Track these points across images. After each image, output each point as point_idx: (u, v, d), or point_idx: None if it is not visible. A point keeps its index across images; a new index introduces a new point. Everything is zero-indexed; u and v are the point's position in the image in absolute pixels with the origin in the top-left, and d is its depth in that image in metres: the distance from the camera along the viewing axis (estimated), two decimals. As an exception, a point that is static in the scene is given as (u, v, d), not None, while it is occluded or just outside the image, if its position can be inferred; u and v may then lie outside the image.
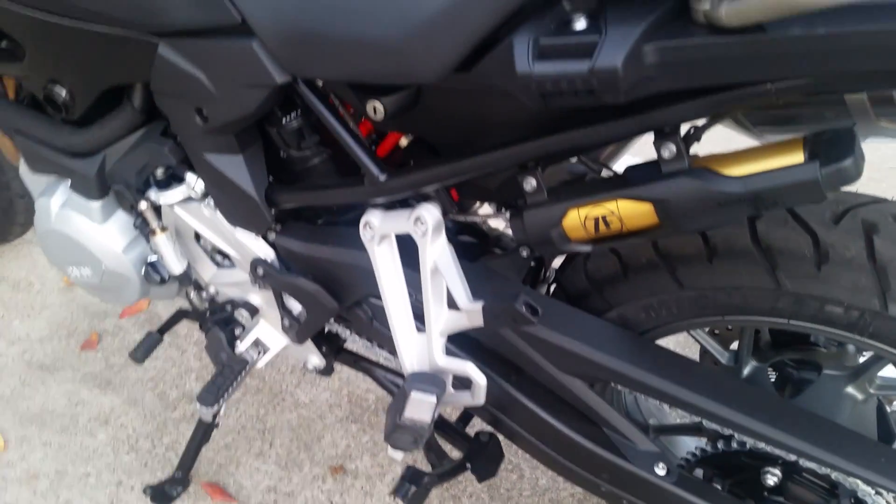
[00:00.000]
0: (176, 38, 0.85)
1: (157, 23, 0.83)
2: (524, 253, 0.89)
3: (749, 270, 0.80)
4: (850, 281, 0.76)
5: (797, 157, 0.62)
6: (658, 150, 0.67)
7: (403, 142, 0.93)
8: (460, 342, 0.93)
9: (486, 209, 0.98)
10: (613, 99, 0.59)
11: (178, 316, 1.20)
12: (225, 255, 1.10)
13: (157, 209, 1.06)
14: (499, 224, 1.00)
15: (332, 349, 1.17)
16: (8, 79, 1.16)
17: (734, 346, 1.03)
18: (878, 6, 0.48)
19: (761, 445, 0.82)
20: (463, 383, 0.90)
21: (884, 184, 1.70)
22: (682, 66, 0.57)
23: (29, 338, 1.61)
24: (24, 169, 1.16)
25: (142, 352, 1.19)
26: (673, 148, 0.66)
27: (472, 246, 1.02)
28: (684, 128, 0.69)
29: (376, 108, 0.79)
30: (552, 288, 1.00)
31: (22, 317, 1.66)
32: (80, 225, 1.10)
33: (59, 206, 1.11)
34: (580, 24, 0.60)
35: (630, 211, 0.70)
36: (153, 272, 1.12)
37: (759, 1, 0.50)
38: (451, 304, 0.84)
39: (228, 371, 1.12)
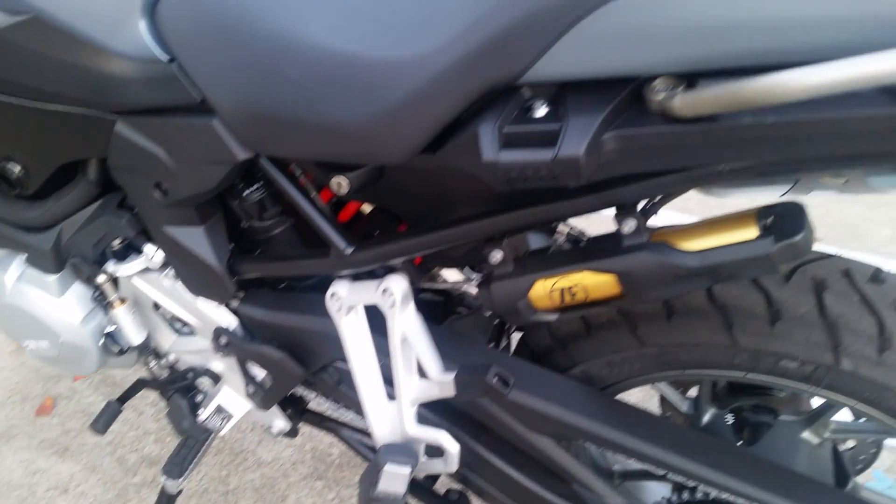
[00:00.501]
0: (134, 116, 0.85)
1: (114, 102, 0.83)
2: (488, 312, 0.90)
3: (706, 328, 0.83)
4: (803, 336, 0.79)
5: (750, 233, 0.65)
6: (618, 224, 0.70)
7: (366, 208, 0.95)
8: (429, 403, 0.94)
9: (453, 276, 0.99)
10: (575, 183, 0.61)
11: (139, 385, 1.18)
12: (185, 323, 1.09)
13: (114, 280, 1.05)
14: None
15: (297, 411, 1.16)
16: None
17: (693, 393, 1.06)
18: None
19: (725, 496, 0.85)
20: (435, 450, 0.91)
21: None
22: (640, 153, 0.59)
23: (-21, 406, 1.57)
24: None
25: (102, 423, 1.17)
26: (633, 223, 0.69)
27: (436, 304, 1.04)
28: (643, 201, 0.72)
29: (340, 184, 0.80)
30: (516, 343, 1.02)
31: (-29, 384, 1.62)
32: (36, 299, 1.08)
33: (14, 280, 1.09)
34: (541, 111, 0.62)
35: (594, 282, 0.72)
36: (112, 343, 1.11)
37: (709, 96, 0.53)
38: (422, 372, 0.85)
39: (192, 440, 1.11)
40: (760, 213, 0.66)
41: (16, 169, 0.99)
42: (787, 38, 0.51)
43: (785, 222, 0.65)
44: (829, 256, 0.83)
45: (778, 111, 0.53)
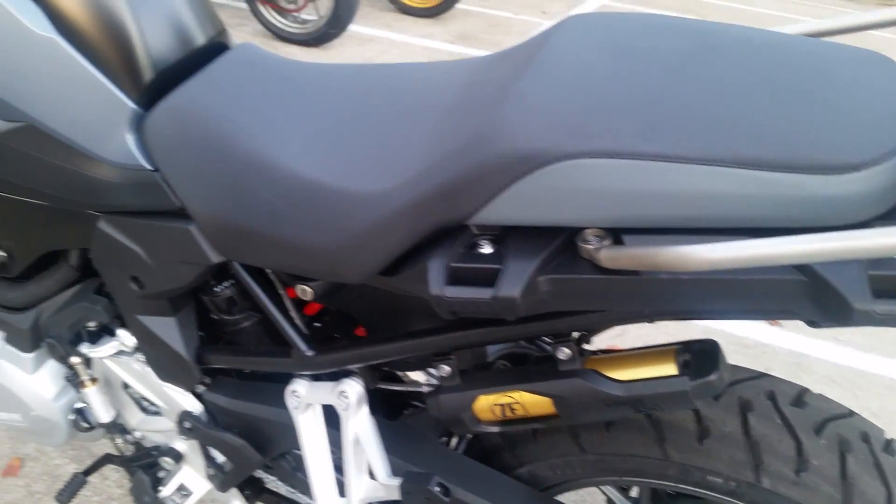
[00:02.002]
0: (116, 216, 0.90)
1: (99, 203, 0.88)
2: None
3: (641, 441, 0.89)
4: (728, 454, 0.85)
5: (670, 369, 0.72)
6: (554, 350, 0.76)
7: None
8: None
9: (408, 378, 1.05)
10: (512, 318, 0.67)
11: (105, 460, 1.22)
12: (153, 403, 1.13)
13: (87, 361, 1.10)
14: (417, 377, 1.07)
15: (255, 491, 1.20)
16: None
17: (635, 494, 1.11)
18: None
19: None
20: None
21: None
22: (571, 295, 0.66)
23: (-55, 466, 1.58)
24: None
25: (67, 494, 1.20)
26: (567, 351, 0.75)
27: (391, 396, 1.09)
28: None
29: (305, 290, 0.86)
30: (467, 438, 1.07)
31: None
32: (11, 374, 1.12)
33: (-11, 355, 1.13)
34: (486, 248, 0.68)
35: (532, 402, 0.78)
36: (81, 419, 1.15)
37: (630, 255, 0.59)
38: (372, 472, 0.90)
39: (153, 517, 1.15)
40: (679, 350, 0.73)
41: (0, 255, 1.05)
42: (694, 209, 0.58)
43: (701, 360, 0.72)
44: (760, 376, 0.89)
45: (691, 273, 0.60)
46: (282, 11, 4.73)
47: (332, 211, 0.74)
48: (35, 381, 1.13)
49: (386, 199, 0.70)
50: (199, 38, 0.92)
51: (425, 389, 0.91)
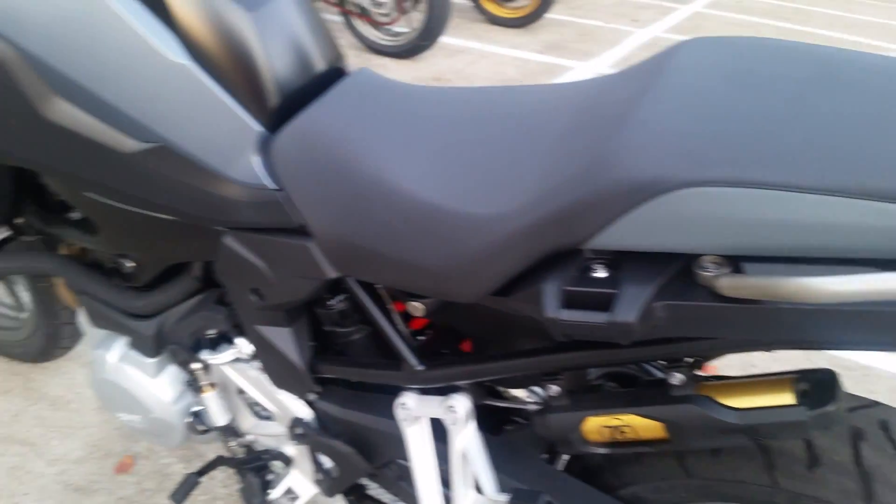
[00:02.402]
0: (240, 231, 0.95)
1: (225, 219, 0.94)
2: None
3: (749, 467, 0.88)
4: (838, 484, 0.83)
5: (787, 398, 0.71)
6: (667, 375, 0.76)
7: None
8: None
9: (509, 394, 1.07)
10: (626, 342, 0.68)
11: (217, 462, 1.28)
12: (265, 409, 1.18)
13: (205, 367, 1.16)
14: (521, 393, 1.08)
15: (358, 497, 1.24)
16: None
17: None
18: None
19: None
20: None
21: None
22: (686, 322, 0.66)
23: (67, 458, 1.69)
24: (83, 320, 1.27)
25: (180, 494, 1.26)
26: (681, 377, 0.75)
27: (494, 412, 1.11)
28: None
29: (416, 307, 0.90)
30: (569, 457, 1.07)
31: (60, 436, 1.74)
32: (135, 378, 1.19)
33: (116, 359, 1.21)
34: (600, 273, 0.69)
35: (643, 425, 0.79)
36: (198, 422, 1.22)
37: (751, 284, 0.60)
38: (478, 486, 0.92)
39: (261, 518, 1.20)
40: (796, 379, 0.72)
41: (129, 264, 1.12)
42: (815, 239, 0.58)
43: (819, 390, 0.71)
44: (872, 405, 0.87)
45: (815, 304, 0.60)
46: (375, 24, 4.84)
47: (449, 233, 0.76)
48: (156, 384, 1.20)
49: (501, 223, 0.72)
50: (320, 64, 0.97)
51: (531, 407, 0.93)
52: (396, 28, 4.83)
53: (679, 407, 0.76)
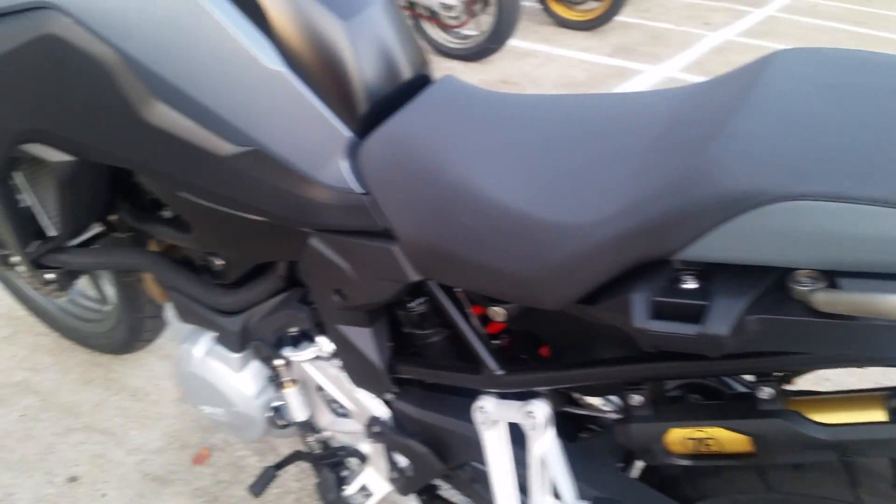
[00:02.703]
0: (326, 233, 0.98)
1: (312, 221, 0.96)
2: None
3: (832, 483, 0.86)
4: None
5: (879, 415, 0.70)
6: (755, 389, 0.76)
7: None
8: None
9: (584, 402, 1.07)
10: (715, 355, 0.68)
11: (294, 456, 1.31)
12: (343, 407, 1.21)
13: (287, 363, 1.19)
14: (596, 401, 1.09)
15: (430, 497, 1.25)
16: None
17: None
18: None
19: None
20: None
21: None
22: (779, 336, 0.66)
23: (146, 448, 1.75)
24: (172, 314, 1.31)
25: (259, 486, 1.30)
26: (770, 391, 0.75)
27: (569, 418, 1.11)
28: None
29: (498, 312, 0.91)
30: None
31: (140, 426, 1.81)
32: (219, 372, 1.23)
33: (202, 354, 1.25)
34: (690, 284, 0.69)
35: (728, 438, 0.78)
36: (278, 417, 1.25)
37: (848, 300, 0.59)
38: (556, 492, 0.93)
39: (335, 513, 1.23)
40: (889, 396, 0.71)
41: (218, 262, 1.16)
42: None
43: None
44: None
45: None
46: (444, 28, 4.87)
47: (535, 240, 0.77)
48: (240, 379, 1.23)
49: (589, 232, 0.73)
50: (408, 71, 0.99)
51: (610, 416, 0.93)
52: (465, 31, 4.85)
53: (768, 421, 0.75)
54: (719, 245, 0.65)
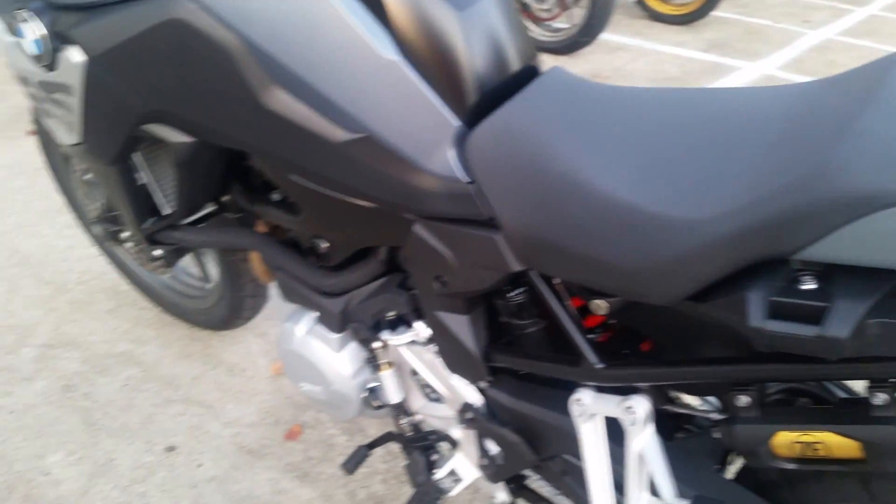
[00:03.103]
0: (430, 220, 1.00)
1: (417, 208, 0.98)
2: (717, 435, 0.96)
3: (946, 496, 0.84)
4: None
5: None
6: (869, 395, 0.74)
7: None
8: None
9: (693, 402, 1.06)
10: (833, 358, 0.67)
11: (386, 437, 1.34)
12: (436, 391, 1.24)
13: (384, 346, 1.23)
14: (693, 400, 1.08)
15: (518, 486, 1.27)
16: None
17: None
18: None
19: None
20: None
21: None
22: None
23: (241, 422, 1.82)
24: (272, 294, 1.36)
25: (352, 464, 1.34)
26: (885, 397, 0.73)
27: (666, 416, 1.11)
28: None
29: (600, 306, 0.91)
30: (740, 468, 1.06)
31: (235, 401, 1.88)
32: (319, 351, 1.28)
33: (304, 332, 1.29)
34: (809, 285, 0.68)
35: (838, 444, 0.77)
36: (373, 398, 1.29)
37: None
38: (653, 489, 0.92)
39: (426, 496, 1.25)
40: None
41: (323, 245, 1.20)
42: None
43: None
44: None
45: None
46: (536, 20, 4.85)
47: (646, 234, 0.77)
48: (338, 359, 1.27)
49: (705, 228, 0.72)
50: (517, 63, 1.00)
51: (712, 416, 0.92)
52: (556, 24, 4.82)
53: (881, 428, 0.73)
54: (842, 246, 0.64)
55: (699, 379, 0.85)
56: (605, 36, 5.01)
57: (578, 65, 4.68)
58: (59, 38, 1.14)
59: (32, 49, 1.17)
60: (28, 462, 1.69)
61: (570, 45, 4.76)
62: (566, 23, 4.76)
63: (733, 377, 0.82)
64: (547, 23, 4.82)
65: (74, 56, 1.12)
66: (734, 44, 5.27)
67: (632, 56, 4.94)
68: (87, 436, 1.77)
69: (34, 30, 1.15)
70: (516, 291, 1.03)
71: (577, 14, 4.67)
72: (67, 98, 1.19)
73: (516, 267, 0.93)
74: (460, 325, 1.09)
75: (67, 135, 1.29)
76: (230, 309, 1.89)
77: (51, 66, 1.17)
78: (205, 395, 1.91)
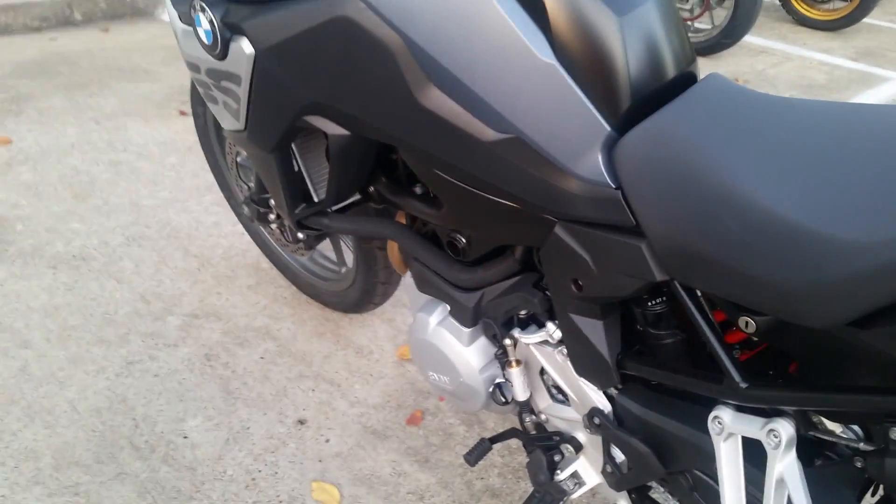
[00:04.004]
0: (572, 223, 1.00)
1: (560, 210, 0.99)
2: (859, 464, 0.92)
3: None
4: None
5: None
6: None
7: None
8: None
9: (836, 428, 1.02)
10: None
11: (510, 433, 1.36)
12: (563, 393, 1.24)
13: (514, 343, 1.24)
14: (834, 427, 1.03)
15: (641, 497, 1.26)
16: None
17: None
18: None
19: None
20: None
21: None
22: None
23: (366, 403, 1.89)
24: (409, 283, 1.41)
25: (475, 457, 1.37)
26: None
27: (806, 441, 1.07)
28: None
29: (748, 323, 0.89)
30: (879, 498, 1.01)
31: (362, 382, 1.96)
32: (450, 343, 1.31)
33: (436, 323, 1.33)
34: None
35: None
36: (499, 394, 1.31)
37: None
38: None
39: (546, 496, 1.26)
40: None
41: (462, 240, 1.23)
42: None
43: None
44: None
45: None
46: (676, 20, 4.72)
47: (811, 254, 0.74)
48: (469, 352, 1.30)
49: (878, 251, 0.69)
50: (675, 69, 0.99)
51: (863, 446, 0.89)
52: (698, 24, 4.69)
53: None
54: None
55: (852, 407, 0.82)
56: (747, 38, 4.84)
57: (719, 67, 4.53)
58: (230, 29, 1.21)
59: (205, 38, 1.26)
60: (169, 424, 1.82)
61: (712, 46, 4.62)
62: (708, 23, 4.62)
63: (891, 408, 0.79)
64: (688, 23, 4.69)
65: (244, 47, 1.19)
66: (886, 53, 4.97)
67: (775, 60, 4.74)
68: (225, 404, 1.88)
69: (208, 20, 1.23)
70: (656, 300, 1.03)
71: (720, 15, 4.53)
72: (235, 87, 1.27)
73: (660, 276, 0.93)
74: (594, 330, 1.09)
75: (232, 121, 1.37)
76: (362, 293, 1.96)
77: (221, 56, 1.25)
78: (334, 373, 1.99)
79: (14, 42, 4.43)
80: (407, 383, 1.95)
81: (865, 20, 5.42)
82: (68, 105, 3.55)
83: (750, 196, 0.80)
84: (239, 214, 2.28)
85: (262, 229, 2.11)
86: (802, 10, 5.47)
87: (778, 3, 5.60)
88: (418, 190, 1.32)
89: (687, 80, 1.01)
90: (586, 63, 0.94)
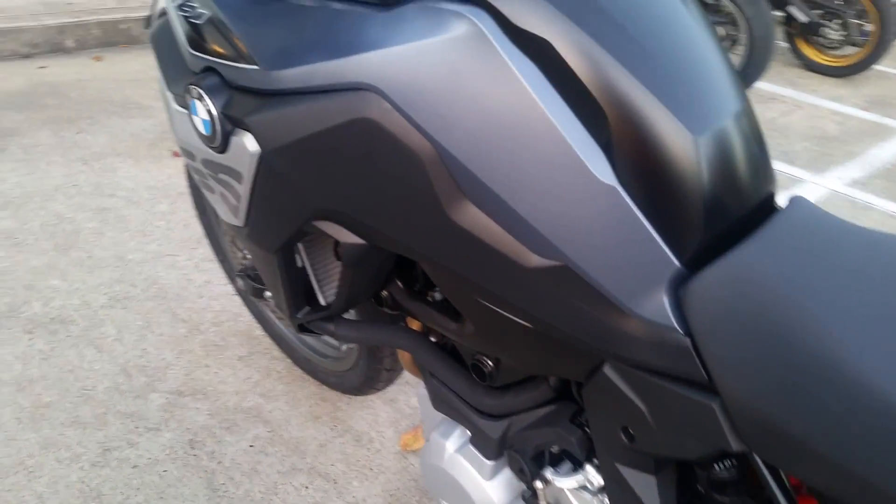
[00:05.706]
0: (626, 366, 0.86)
1: (611, 350, 0.84)
2: None
3: None
4: None
5: None
6: None
7: None
8: None
9: None
10: None
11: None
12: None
13: (545, 483, 1.08)
14: None
15: None
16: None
17: None
18: None
19: None
20: None
21: None
22: None
23: (364, 503, 1.72)
24: (423, 394, 1.25)
25: None
26: None
27: None
28: None
29: (843, 515, 0.74)
30: None
31: (361, 477, 1.78)
32: (469, 475, 1.15)
33: (454, 450, 1.17)
34: None
35: None
36: (525, 535, 1.15)
37: None
38: None
39: None
40: None
41: (488, 363, 1.07)
42: None
43: None
44: None
45: None
46: (686, 65, 4.63)
47: None
48: (490, 487, 1.14)
49: None
50: (756, 198, 0.84)
51: None
52: (708, 71, 4.58)
53: None
54: None
55: None
56: (758, 84, 4.74)
57: (728, 115, 4.43)
58: (232, 122, 1.06)
59: (202, 128, 1.10)
60: (148, 524, 1.64)
61: (722, 93, 4.51)
62: (719, 70, 4.52)
63: None
64: (698, 69, 4.59)
65: (248, 144, 1.03)
66: (898, 103, 4.88)
67: (786, 108, 4.65)
68: (209, 503, 1.70)
69: (206, 109, 1.07)
70: (725, 464, 0.88)
71: (732, 61, 4.43)
72: (235, 183, 1.12)
73: (736, 447, 0.78)
74: (645, 486, 0.94)
75: (230, 216, 1.22)
76: (364, 377, 1.80)
77: (221, 150, 1.09)
78: (330, 466, 1.82)
79: (1, 70, 4.28)
80: (410, 480, 1.78)
81: (877, 67, 5.35)
82: (55, 142, 3.38)
83: (847, 362, 0.65)
84: (232, 279, 2.12)
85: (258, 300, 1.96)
86: (811, 55, 5.39)
87: (786, 45, 5.53)
88: (438, 296, 1.16)
89: (767, 205, 0.87)
90: (654, 188, 0.79)
